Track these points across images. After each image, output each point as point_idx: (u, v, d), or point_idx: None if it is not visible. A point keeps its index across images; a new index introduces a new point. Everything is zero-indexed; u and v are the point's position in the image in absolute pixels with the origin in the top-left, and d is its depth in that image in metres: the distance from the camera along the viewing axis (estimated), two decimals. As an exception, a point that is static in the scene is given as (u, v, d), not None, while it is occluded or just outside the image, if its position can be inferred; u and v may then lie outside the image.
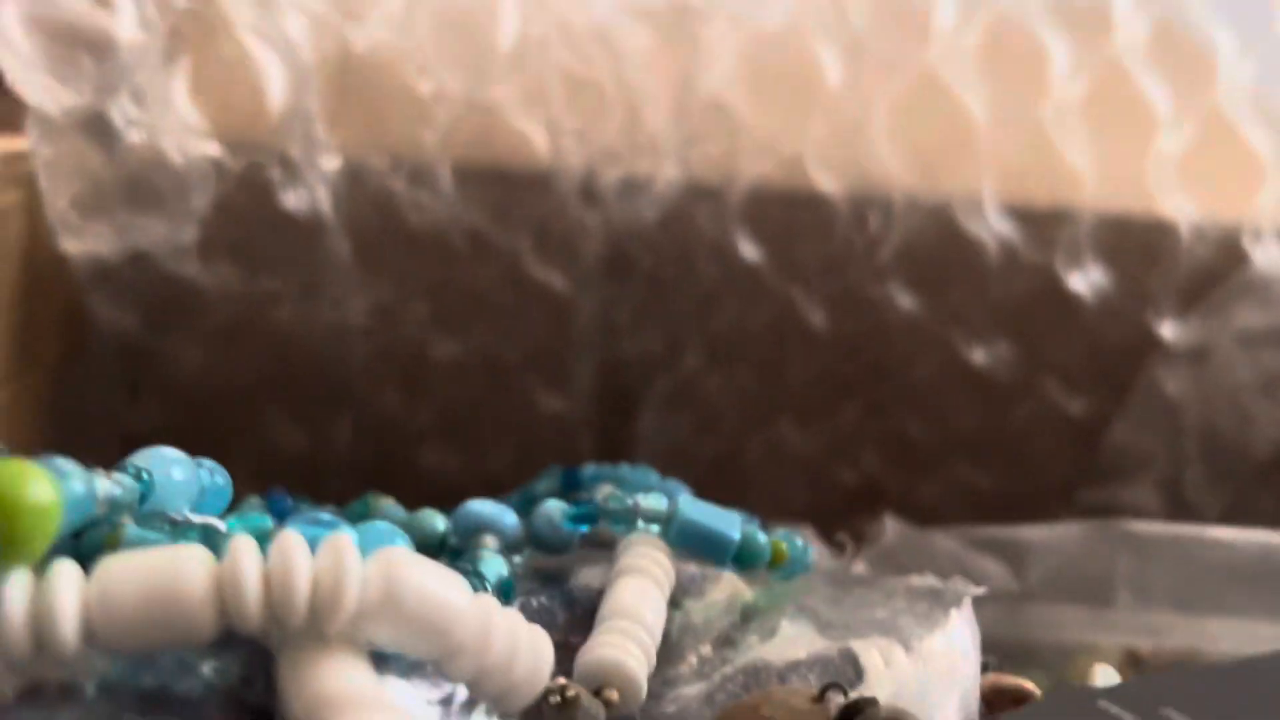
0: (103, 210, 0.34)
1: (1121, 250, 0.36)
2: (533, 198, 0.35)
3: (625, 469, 0.31)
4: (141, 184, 0.34)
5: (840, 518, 0.35)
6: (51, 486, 0.17)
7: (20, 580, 0.17)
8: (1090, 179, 0.35)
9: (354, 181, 0.35)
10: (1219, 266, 0.36)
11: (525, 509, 0.24)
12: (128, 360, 0.37)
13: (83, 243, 0.35)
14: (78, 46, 0.33)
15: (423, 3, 0.34)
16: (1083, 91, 0.35)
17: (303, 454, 0.37)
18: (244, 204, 0.34)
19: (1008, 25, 0.35)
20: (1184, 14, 0.35)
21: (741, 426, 0.38)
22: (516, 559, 0.24)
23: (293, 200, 0.35)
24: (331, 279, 0.36)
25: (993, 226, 0.36)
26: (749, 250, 0.36)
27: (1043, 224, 0.36)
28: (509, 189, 0.35)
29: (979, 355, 0.37)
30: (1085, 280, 0.36)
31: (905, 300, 0.36)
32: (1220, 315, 0.36)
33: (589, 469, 0.31)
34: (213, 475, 0.22)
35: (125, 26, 0.33)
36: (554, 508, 0.24)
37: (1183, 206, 0.36)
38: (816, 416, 0.38)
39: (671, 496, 0.24)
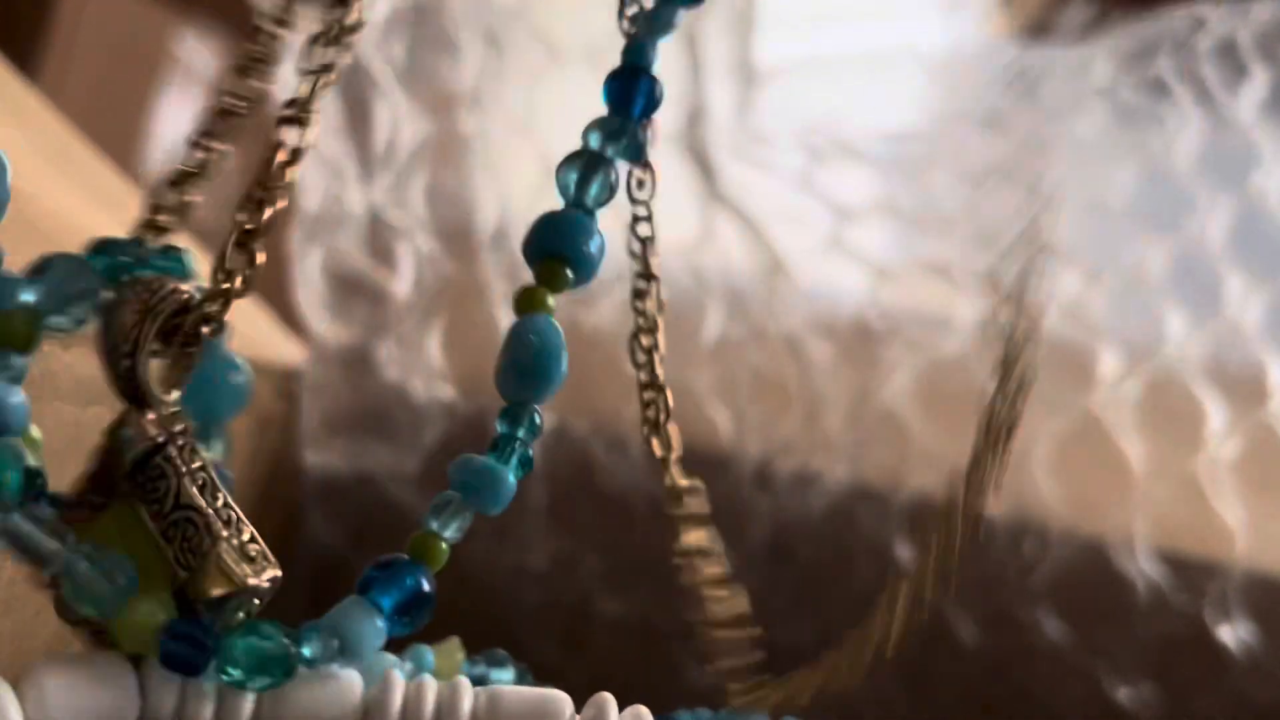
0: (346, 431, 0.40)
1: (1271, 609, 0.37)
2: (711, 477, 0.39)
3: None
4: (384, 414, 0.40)
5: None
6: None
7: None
8: (1241, 536, 0.37)
9: (560, 439, 0.40)
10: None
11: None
12: (324, 570, 0.41)
13: (321, 457, 0.40)
14: (359, 294, 0.40)
15: (645, 296, 0.40)
16: (1236, 452, 0.37)
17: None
18: (466, 443, 0.39)
19: (1167, 381, 0.38)
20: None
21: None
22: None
23: (506, 446, 0.39)
24: (523, 523, 0.40)
25: (1143, 569, 0.37)
26: (905, 555, 0.38)
27: (1193, 572, 0.37)
28: (691, 466, 0.39)
29: (1123, 693, 0.37)
30: (1234, 634, 0.37)
31: (1053, 627, 0.38)
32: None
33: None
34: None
35: (401, 284, 0.40)
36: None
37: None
38: (956, 735, 0.38)
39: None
